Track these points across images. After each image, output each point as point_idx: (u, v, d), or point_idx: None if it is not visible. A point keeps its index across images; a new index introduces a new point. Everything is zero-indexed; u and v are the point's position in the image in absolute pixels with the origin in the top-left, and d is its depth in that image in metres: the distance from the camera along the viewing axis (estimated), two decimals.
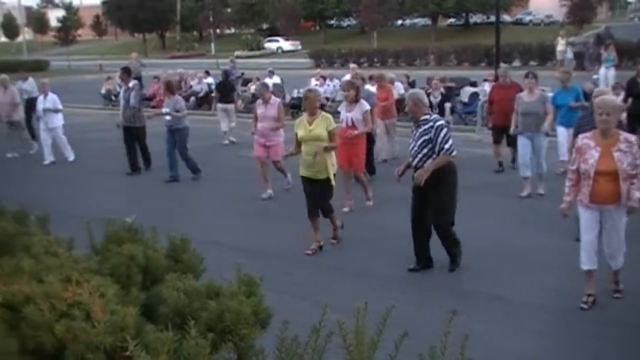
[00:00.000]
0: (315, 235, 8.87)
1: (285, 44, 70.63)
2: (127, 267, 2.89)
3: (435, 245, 8.03)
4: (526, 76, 11.47)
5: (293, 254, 8.82)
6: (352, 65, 25.56)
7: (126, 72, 14.61)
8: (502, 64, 14.36)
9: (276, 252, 8.80)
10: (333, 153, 8.76)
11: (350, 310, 2.25)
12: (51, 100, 15.74)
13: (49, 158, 15.92)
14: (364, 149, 10.92)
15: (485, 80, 20.53)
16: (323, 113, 8.91)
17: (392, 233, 9.15)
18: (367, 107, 10.61)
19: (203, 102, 25.79)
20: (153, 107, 26.45)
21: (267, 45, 71.09)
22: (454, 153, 7.65)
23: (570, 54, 33.58)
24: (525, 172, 11.35)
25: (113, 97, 27.64)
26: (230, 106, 18.32)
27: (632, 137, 6.66)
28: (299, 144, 8.89)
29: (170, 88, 13.71)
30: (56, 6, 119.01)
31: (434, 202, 7.65)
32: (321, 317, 2.33)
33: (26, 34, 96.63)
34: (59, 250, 3.02)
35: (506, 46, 34.47)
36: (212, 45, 71.80)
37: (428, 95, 13.54)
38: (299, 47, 67.53)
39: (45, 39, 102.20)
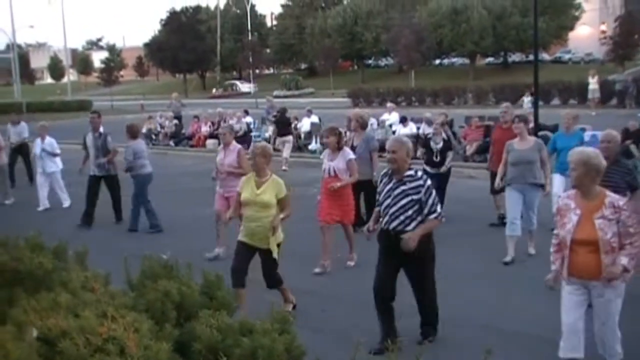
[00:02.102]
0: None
1: (243, 86, 76.01)
2: (162, 303, 2.91)
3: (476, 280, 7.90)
4: (513, 121, 10.30)
5: (330, 292, 8.78)
6: (389, 104, 25.76)
7: (100, 116, 13.59)
8: (504, 103, 12.74)
9: (313, 290, 8.76)
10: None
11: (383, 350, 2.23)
12: (49, 144, 15.09)
13: (44, 204, 15.19)
14: (352, 200, 9.96)
15: None
16: (274, 177, 7.75)
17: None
18: (351, 155, 9.81)
19: (242, 141, 25.99)
20: (192, 146, 26.96)
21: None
22: (444, 219, 6.90)
23: (598, 93, 33.28)
24: (514, 231, 9.74)
25: (154, 136, 28.21)
26: (288, 138, 20.67)
27: (621, 202, 5.44)
28: (240, 205, 7.78)
29: (132, 132, 12.94)
30: (100, 48, 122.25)
31: (421, 275, 6.84)
32: (353, 355, 2.31)
33: (71, 75, 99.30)
34: (95, 285, 3.07)
35: (545, 84, 34.27)
36: (252, 84, 72.76)
37: (428, 140, 12.42)
38: (255, 89, 72.23)
39: (89, 80, 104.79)
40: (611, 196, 5.43)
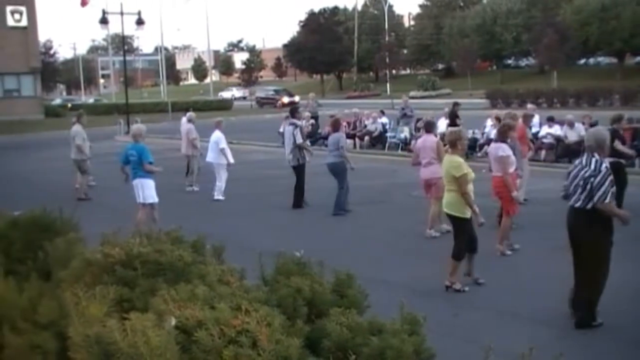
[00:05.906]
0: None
1: (237, 93, 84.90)
2: (294, 299, 2.96)
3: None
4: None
5: (463, 296, 8.63)
6: (529, 106, 24.94)
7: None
8: None
9: (446, 294, 8.65)
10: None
11: (515, 356, 2.17)
12: (214, 137, 16.53)
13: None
14: (504, 191, 10.40)
15: None
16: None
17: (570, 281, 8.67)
18: (503, 152, 10.32)
19: (377, 141, 26.07)
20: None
21: (224, 94, 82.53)
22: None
23: None
24: None
25: None
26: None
27: None
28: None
29: (334, 125, 14.65)
30: (241, 49, 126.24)
31: (586, 263, 6.87)
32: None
33: (213, 76, 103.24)
34: (231, 279, 3.16)
35: None
36: (388, 85, 72.79)
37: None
38: (248, 94, 78.61)
39: (230, 80, 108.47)
40: None
